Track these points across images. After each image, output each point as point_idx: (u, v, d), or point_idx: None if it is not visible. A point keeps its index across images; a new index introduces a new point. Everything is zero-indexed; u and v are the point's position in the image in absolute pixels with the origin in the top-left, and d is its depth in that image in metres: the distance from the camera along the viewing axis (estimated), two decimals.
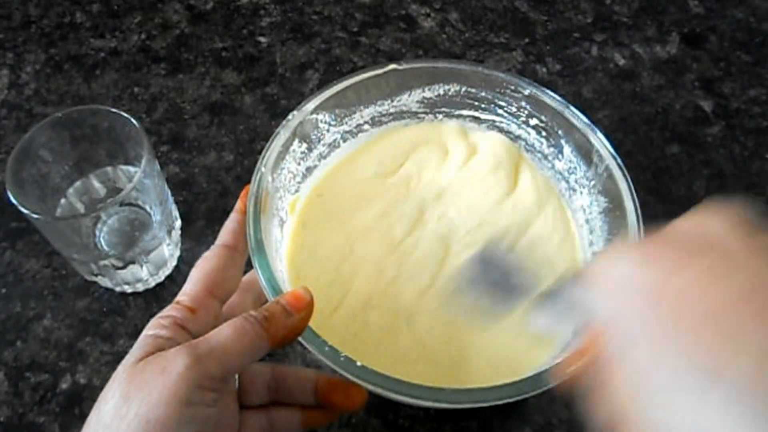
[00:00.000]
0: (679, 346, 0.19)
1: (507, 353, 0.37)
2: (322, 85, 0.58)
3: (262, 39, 0.63)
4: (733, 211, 0.21)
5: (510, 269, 0.34)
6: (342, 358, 0.30)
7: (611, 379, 0.21)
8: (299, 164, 0.42)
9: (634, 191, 0.37)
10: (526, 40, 0.63)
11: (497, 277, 0.35)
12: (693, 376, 0.18)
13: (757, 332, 0.18)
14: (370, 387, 0.30)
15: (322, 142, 0.43)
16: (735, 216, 0.21)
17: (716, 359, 0.18)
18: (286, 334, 0.30)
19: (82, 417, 0.27)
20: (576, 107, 0.41)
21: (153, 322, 0.30)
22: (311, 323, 0.31)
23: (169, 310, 0.30)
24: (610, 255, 0.22)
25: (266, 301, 0.33)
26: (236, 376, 0.34)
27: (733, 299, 0.19)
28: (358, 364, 0.30)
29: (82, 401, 0.42)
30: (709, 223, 0.21)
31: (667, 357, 0.19)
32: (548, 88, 0.42)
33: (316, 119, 0.41)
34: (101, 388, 0.27)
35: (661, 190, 0.53)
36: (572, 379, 0.26)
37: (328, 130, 0.43)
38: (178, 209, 0.48)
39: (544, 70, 0.61)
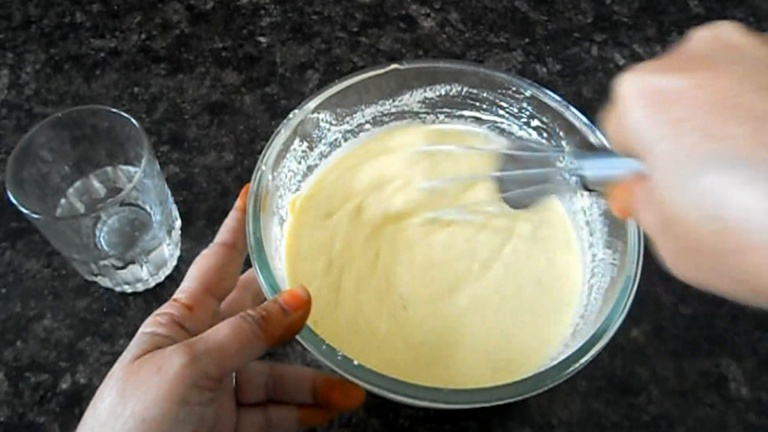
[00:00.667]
0: (692, 136, 0.20)
1: (507, 354, 0.37)
2: (322, 85, 0.58)
3: (262, 39, 0.63)
4: (735, 25, 0.23)
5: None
6: (339, 357, 0.30)
7: (648, 194, 0.23)
8: (300, 163, 0.42)
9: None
10: (526, 40, 0.63)
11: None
12: (702, 159, 0.19)
13: (756, 103, 0.19)
14: (367, 386, 0.30)
15: (323, 141, 0.43)
16: (738, 26, 0.23)
17: (720, 136, 0.19)
18: (283, 333, 0.30)
19: (82, 417, 0.27)
20: (576, 107, 0.41)
21: (150, 319, 0.30)
22: (309, 322, 0.31)
23: (167, 308, 0.30)
24: (629, 73, 0.23)
25: (264, 299, 0.33)
26: (233, 375, 0.34)
27: (740, 82, 0.20)
28: (355, 363, 0.30)
29: (82, 401, 0.42)
30: (719, 29, 0.23)
31: (681, 150, 0.20)
32: (548, 88, 0.42)
33: (318, 118, 0.41)
34: None
35: None
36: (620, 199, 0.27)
37: (329, 129, 0.43)
38: (178, 209, 0.48)
39: (544, 70, 0.61)
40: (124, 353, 0.28)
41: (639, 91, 0.22)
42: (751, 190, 0.18)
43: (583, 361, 0.31)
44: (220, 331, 0.28)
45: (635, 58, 0.62)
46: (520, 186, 0.35)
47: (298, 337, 0.31)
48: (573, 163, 0.30)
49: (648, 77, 0.22)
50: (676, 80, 0.21)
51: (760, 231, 0.18)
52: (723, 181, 0.19)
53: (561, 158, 0.33)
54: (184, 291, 0.32)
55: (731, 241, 0.19)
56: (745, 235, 0.19)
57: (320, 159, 0.44)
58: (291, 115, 0.40)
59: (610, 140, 0.26)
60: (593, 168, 0.29)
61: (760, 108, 0.19)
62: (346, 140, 0.45)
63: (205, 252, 0.34)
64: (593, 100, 0.59)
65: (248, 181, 0.37)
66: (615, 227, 0.38)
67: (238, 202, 0.36)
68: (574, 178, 0.30)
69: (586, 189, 0.30)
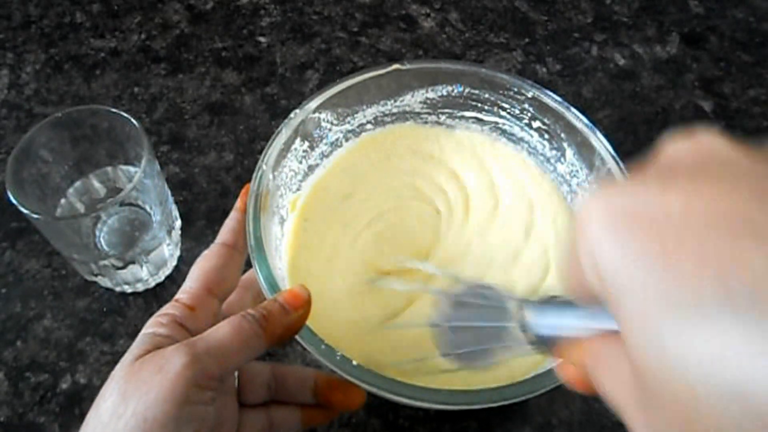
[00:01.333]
0: (686, 266, 0.15)
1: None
2: (322, 85, 0.59)
3: (262, 39, 0.63)
4: (715, 133, 0.18)
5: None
6: (338, 357, 0.30)
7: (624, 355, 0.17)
8: (301, 163, 0.42)
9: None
10: (526, 40, 0.63)
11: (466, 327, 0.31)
12: (705, 299, 0.14)
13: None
14: (366, 386, 0.30)
15: (324, 141, 0.43)
16: (720, 135, 0.18)
17: (728, 264, 0.14)
18: (283, 332, 0.30)
19: (82, 417, 0.27)
20: (576, 107, 0.41)
21: (152, 320, 0.30)
22: (309, 321, 0.31)
23: (168, 308, 0.31)
24: (591, 198, 0.18)
25: (265, 299, 0.33)
26: (235, 375, 0.34)
27: (744, 201, 0.15)
28: (354, 363, 0.30)
29: (82, 401, 0.42)
30: (702, 139, 0.18)
31: (673, 289, 0.15)
32: (548, 88, 0.42)
33: (319, 118, 0.41)
34: (101, 388, 0.27)
35: None
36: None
37: (330, 129, 0.43)
38: (178, 209, 0.48)
39: (544, 70, 0.61)
40: (126, 354, 0.28)
41: (606, 217, 0.17)
42: None
43: None
44: (221, 330, 0.28)
45: (635, 58, 0.62)
46: (464, 340, 0.30)
47: (297, 337, 0.31)
48: (526, 316, 0.25)
49: (616, 199, 0.17)
50: (656, 199, 0.16)
51: None
52: (743, 328, 0.13)
53: (515, 307, 0.27)
54: (185, 291, 0.32)
55: (756, 420, 0.13)
56: None
57: (321, 159, 0.44)
58: (292, 115, 0.40)
59: (567, 287, 0.20)
60: (545, 325, 0.24)
61: None
62: (347, 140, 0.45)
63: (206, 252, 0.34)
64: (593, 100, 0.59)
65: (248, 181, 0.37)
66: None
67: (239, 203, 0.36)
68: (522, 334, 0.25)
69: (533, 345, 0.25)
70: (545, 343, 0.24)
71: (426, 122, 0.46)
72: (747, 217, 0.14)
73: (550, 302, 0.24)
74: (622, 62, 0.62)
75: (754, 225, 0.14)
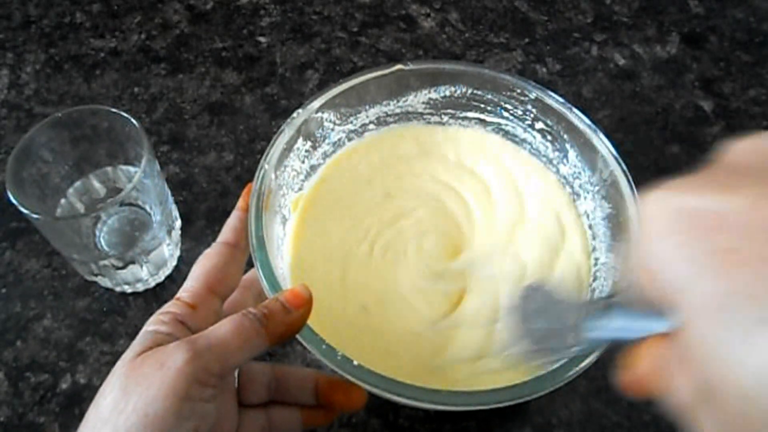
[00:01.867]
0: (747, 271, 0.15)
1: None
2: (322, 85, 0.59)
3: (262, 39, 0.63)
4: None
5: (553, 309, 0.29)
6: (339, 357, 0.30)
7: (685, 354, 0.17)
8: (303, 162, 0.42)
9: (638, 197, 0.37)
10: (526, 40, 0.63)
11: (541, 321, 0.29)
12: (759, 303, 0.15)
13: None
14: (367, 387, 0.30)
15: (326, 140, 0.43)
16: None
17: None
18: (284, 331, 0.30)
19: (82, 417, 0.27)
20: (576, 107, 0.41)
21: (153, 318, 0.30)
22: (310, 321, 0.31)
23: (170, 307, 0.31)
24: (655, 192, 0.18)
25: (266, 299, 0.33)
26: (236, 375, 0.34)
27: None
28: (355, 363, 0.30)
29: (82, 401, 0.42)
30: (766, 140, 0.18)
31: (733, 292, 0.15)
32: (548, 88, 0.42)
33: (321, 118, 0.41)
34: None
35: None
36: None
37: (332, 129, 0.43)
38: (178, 209, 0.48)
39: (544, 70, 0.61)
40: (127, 351, 0.28)
41: (669, 213, 0.17)
42: None
43: (583, 364, 0.31)
44: (222, 328, 0.28)
45: (635, 58, 0.62)
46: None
47: (298, 336, 0.31)
48: (588, 318, 0.24)
49: (680, 196, 0.17)
50: (718, 200, 0.16)
51: None
52: None
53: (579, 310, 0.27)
54: (186, 290, 0.32)
55: None
56: None
57: (323, 158, 0.44)
58: (295, 115, 0.40)
59: (637, 285, 0.20)
60: (607, 328, 0.23)
61: None
62: (349, 140, 0.45)
63: (207, 251, 0.34)
64: (593, 100, 0.59)
65: (249, 181, 0.37)
66: (618, 231, 0.38)
67: (241, 202, 0.36)
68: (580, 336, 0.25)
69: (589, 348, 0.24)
70: (602, 346, 0.24)
71: (429, 123, 0.46)
72: None
73: (608, 306, 0.24)
74: (622, 62, 0.62)
75: None
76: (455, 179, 0.44)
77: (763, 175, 0.17)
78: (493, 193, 0.43)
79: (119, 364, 0.28)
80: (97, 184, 0.46)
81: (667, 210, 0.17)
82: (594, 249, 0.40)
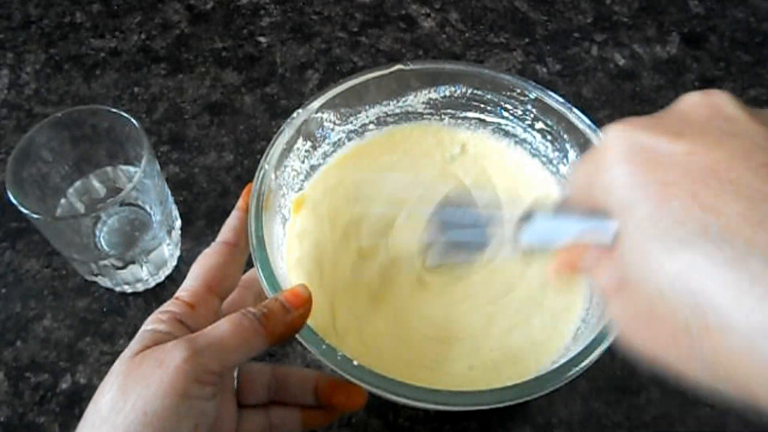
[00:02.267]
0: (679, 202, 0.19)
1: (508, 355, 0.37)
2: (322, 85, 0.59)
3: (262, 39, 0.63)
4: (727, 93, 0.22)
5: (471, 217, 0.33)
6: (339, 357, 0.30)
7: (615, 252, 0.22)
8: (303, 162, 0.42)
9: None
10: (526, 40, 0.63)
11: (460, 226, 0.34)
12: (687, 229, 0.18)
13: (751, 182, 0.18)
14: (367, 387, 0.30)
15: (326, 140, 0.43)
16: (731, 95, 0.22)
17: (710, 208, 0.18)
18: (284, 330, 0.30)
19: (82, 417, 0.27)
20: (576, 107, 0.41)
21: (152, 317, 0.30)
22: (310, 321, 0.31)
23: (169, 306, 0.31)
24: (618, 125, 0.22)
25: (266, 299, 0.33)
26: (235, 376, 0.34)
27: (733, 158, 0.19)
28: (355, 363, 0.30)
29: (82, 401, 0.42)
30: (714, 97, 0.22)
31: (666, 216, 0.19)
32: (548, 88, 0.42)
33: (321, 118, 0.41)
34: None
35: None
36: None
37: (332, 129, 0.43)
38: (178, 209, 0.48)
39: (544, 70, 0.61)
40: (126, 350, 0.28)
41: (627, 146, 0.21)
42: (740, 272, 0.17)
43: (583, 365, 0.31)
44: (221, 327, 0.28)
45: (635, 58, 0.62)
46: (453, 235, 0.33)
47: (298, 336, 0.31)
48: (516, 226, 0.28)
49: (639, 133, 0.21)
50: (667, 142, 0.20)
51: (745, 315, 0.17)
52: (709, 256, 0.18)
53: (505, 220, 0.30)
54: (186, 289, 0.32)
55: (709, 321, 0.18)
56: (727, 318, 0.17)
57: (324, 159, 0.44)
58: (295, 115, 0.40)
59: (574, 189, 0.24)
60: (538, 233, 0.27)
61: (755, 187, 0.18)
62: (350, 140, 0.45)
63: (207, 251, 0.34)
64: (593, 100, 0.59)
65: (249, 181, 0.37)
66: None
67: (241, 202, 0.36)
68: (510, 238, 0.28)
69: (523, 251, 0.28)
70: (532, 250, 0.27)
71: (429, 123, 0.46)
72: (734, 173, 0.18)
73: (539, 214, 0.27)
74: (622, 62, 0.62)
75: (737, 181, 0.18)
76: (449, 181, 0.44)
77: (704, 127, 0.21)
78: (479, 196, 0.43)
79: (118, 362, 0.28)
80: (97, 184, 0.46)
81: (626, 142, 0.21)
82: None
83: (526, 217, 0.27)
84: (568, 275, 0.26)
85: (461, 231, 0.33)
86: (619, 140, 0.21)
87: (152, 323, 0.29)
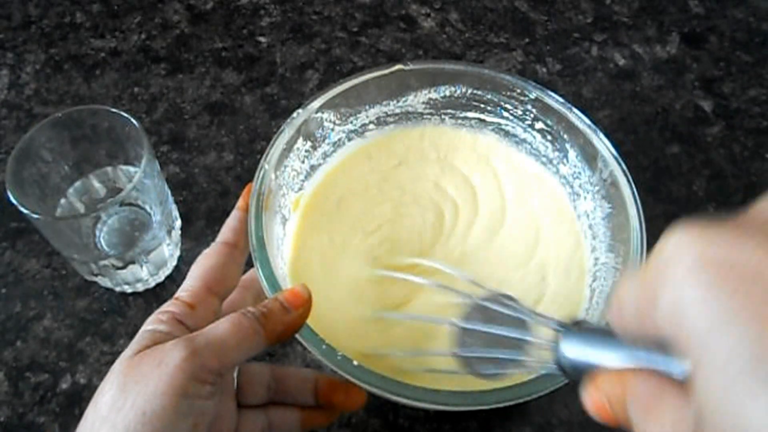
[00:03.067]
0: None
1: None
2: (322, 85, 0.59)
3: (262, 39, 0.63)
4: None
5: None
6: (339, 357, 0.30)
7: (684, 394, 0.17)
8: (303, 162, 0.42)
9: (637, 197, 0.37)
10: (526, 40, 0.63)
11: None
12: None
13: None
14: (367, 387, 0.30)
15: (326, 140, 0.43)
16: None
17: None
18: (283, 330, 0.30)
19: (82, 417, 0.27)
20: (576, 107, 0.41)
21: (152, 317, 0.30)
22: (310, 320, 0.31)
23: (168, 306, 0.31)
24: (681, 232, 0.17)
25: (265, 299, 0.33)
26: (234, 376, 0.34)
27: None
28: (355, 363, 0.30)
29: (82, 401, 0.42)
30: None
31: (759, 356, 0.14)
32: (548, 88, 0.42)
33: (321, 118, 0.41)
34: None
35: (661, 190, 0.53)
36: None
37: (332, 129, 0.43)
38: (178, 209, 0.48)
39: (544, 70, 0.61)
40: (126, 350, 0.28)
41: (699, 263, 0.16)
42: None
43: None
44: (220, 327, 0.28)
45: (635, 58, 0.62)
46: (482, 348, 0.30)
47: (298, 336, 0.31)
48: (560, 338, 0.24)
49: (710, 243, 0.16)
50: (751, 252, 0.15)
51: None
52: None
53: (544, 326, 0.26)
54: (186, 289, 0.32)
55: None
56: None
57: (324, 159, 0.44)
58: (295, 115, 0.40)
59: (618, 314, 0.19)
60: (581, 351, 0.22)
61: None
62: (350, 140, 0.45)
63: (207, 251, 0.34)
64: (593, 100, 0.59)
65: (249, 181, 0.37)
66: (618, 231, 0.38)
67: (241, 202, 0.36)
68: (550, 355, 0.24)
69: (563, 372, 0.24)
70: (574, 369, 0.23)
71: (429, 123, 0.46)
72: None
73: (586, 328, 0.23)
74: (622, 62, 0.62)
75: None
76: (450, 182, 0.44)
77: None
78: (481, 197, 0.43)
79: (117, 362, 0.28)
80: (97, 184, 0.46)
81: (699, 257, 0.16)
82: (594, 249, 0.40)
83: (568, 328, 0.24)
84: (607, 420, 0.20)
85: (492, 344, 0.30)
86: (687, 254, 0.16)
87: (152, 323, 0.30)
